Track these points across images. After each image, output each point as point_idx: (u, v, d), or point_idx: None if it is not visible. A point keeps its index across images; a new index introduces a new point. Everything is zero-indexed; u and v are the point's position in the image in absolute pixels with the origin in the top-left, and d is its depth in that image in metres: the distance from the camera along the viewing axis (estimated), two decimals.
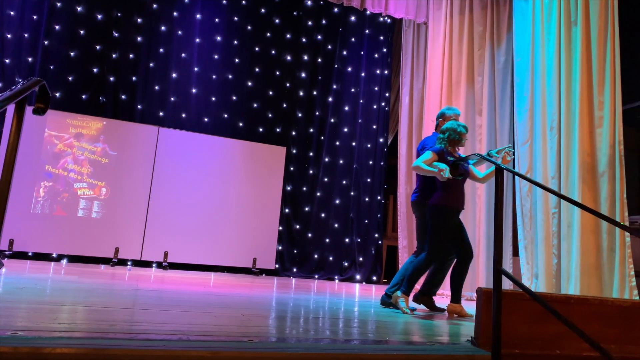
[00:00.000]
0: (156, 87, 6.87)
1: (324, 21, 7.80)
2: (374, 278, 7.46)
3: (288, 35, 7.60)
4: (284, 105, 7.50)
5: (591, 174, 4.88)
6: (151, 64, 6.88)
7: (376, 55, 8.02)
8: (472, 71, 6.25)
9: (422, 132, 6.77)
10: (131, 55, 6.79)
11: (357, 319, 3.14)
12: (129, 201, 6.33)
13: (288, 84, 7.55)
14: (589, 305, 2.46)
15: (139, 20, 6.86)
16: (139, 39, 6.84)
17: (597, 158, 4.88)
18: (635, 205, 5.60)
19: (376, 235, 7.68)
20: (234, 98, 7.26)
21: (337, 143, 7.70)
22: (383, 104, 8.00)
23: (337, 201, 7.56)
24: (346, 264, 7.44)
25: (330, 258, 7.37)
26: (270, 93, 7.45)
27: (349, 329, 2.70)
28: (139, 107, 6.76)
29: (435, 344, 2.38)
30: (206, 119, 7.09)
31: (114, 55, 6.71)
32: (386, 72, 8.06)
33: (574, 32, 5.18)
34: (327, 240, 7.41)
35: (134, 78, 6.78)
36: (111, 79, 6.66)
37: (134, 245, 6.28)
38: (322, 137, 7.63)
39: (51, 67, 6.41)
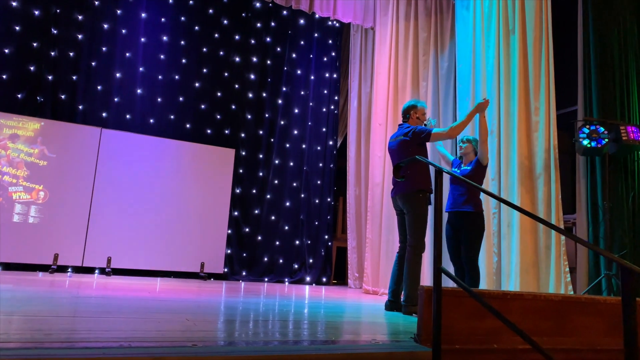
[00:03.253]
0: (99, 87, 6.62)
1: (273, 23, 7.78)
2: (324, 279, 7.51)
3: (237, 37, 7.53)
4: (233, 107, 7.42)
5: (529, 176, 5.12)
6: (93, 63, 6.63)
7: (325, 59, 8.09)
8: (417, 76, 6.42)
9: (370, 134, 6.89)
10: (71, 54, 6.52)
11: (307, 320, 3.15)
12: (70, 205, 6.07)
13: (237, 86, 7.48)
14: (523, 301, 2.59)
15: (80, 17, 6.60)
16: (79, 36, 6.57)
17: (534, 161, 5.13)
18: (569, 205, 5.92)
19: (326, 237, 7.74)
20: (181, 99, 7.11)
21: (287, 145, 7.69)
22: (332, 107, 8.08)
23: (288, 203, 7.55)
24: (296, 266, 7.44)
25: (280, 260, 7.35)
26: (219, 94, 7.35)
27: (299, 330, 2.71)
28: (80, 107, 6.49)
29: (380, 341, 2.43)
30: (152, 120, 6.91)
31: (52, 53, 6.42)
32: (335, 75, 8.15)
33: (512, 41, 5.43)
34: (277, 242, 7.39)
35: (74, 77, 6.50)
36: (49, 77, 6.37)
37: (74, 251, 6.03)
38: (272, 139, 7.61)
39: None
